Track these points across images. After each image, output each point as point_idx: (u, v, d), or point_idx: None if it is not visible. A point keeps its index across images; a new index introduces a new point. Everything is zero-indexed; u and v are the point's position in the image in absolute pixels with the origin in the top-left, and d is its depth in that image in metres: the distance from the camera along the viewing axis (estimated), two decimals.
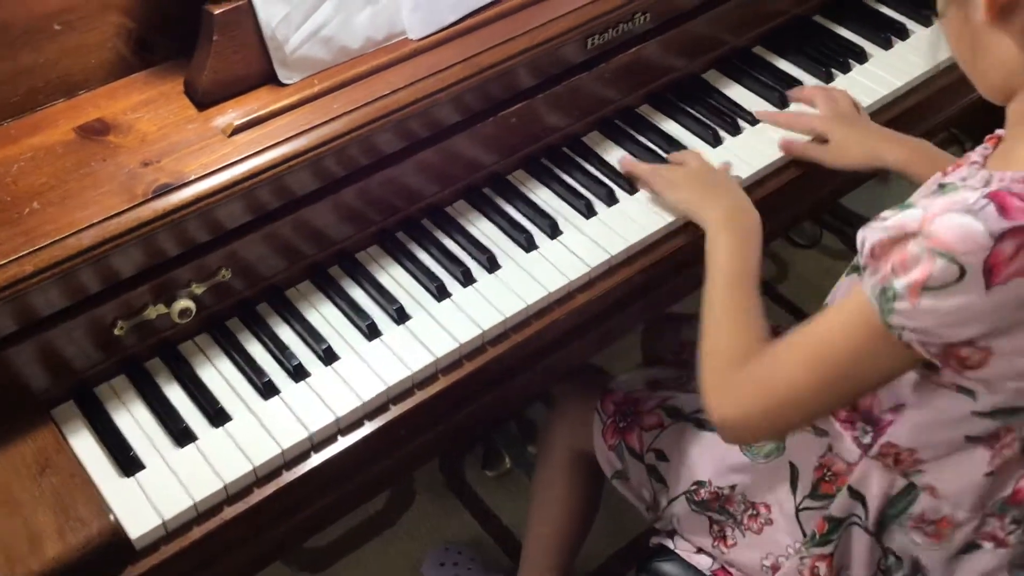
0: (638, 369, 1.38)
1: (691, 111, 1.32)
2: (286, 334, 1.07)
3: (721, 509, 1.13)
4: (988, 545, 1.00)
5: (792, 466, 1.07)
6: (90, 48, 1.06)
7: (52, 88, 1.06)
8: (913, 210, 0.80)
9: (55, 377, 0.98)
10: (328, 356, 1.05)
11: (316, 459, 0.99)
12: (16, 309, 0.91)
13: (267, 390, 1.01)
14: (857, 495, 1.00)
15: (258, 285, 1.08)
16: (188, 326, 1.04)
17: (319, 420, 0.99)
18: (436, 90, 1.09)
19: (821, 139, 1.25)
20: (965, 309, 0.77)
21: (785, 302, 2.10)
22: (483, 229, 1.18)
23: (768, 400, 0.91)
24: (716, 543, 1.15)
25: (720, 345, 0.98)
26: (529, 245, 1.15)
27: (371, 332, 1.07)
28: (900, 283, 0.78)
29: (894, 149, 1.20)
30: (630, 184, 1.23)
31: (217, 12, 1.02)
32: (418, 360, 1.04)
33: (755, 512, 1.11)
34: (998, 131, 0.91)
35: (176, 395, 1.02)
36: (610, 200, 1.21)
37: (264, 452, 0.96)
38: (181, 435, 0.98)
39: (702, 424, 1.18)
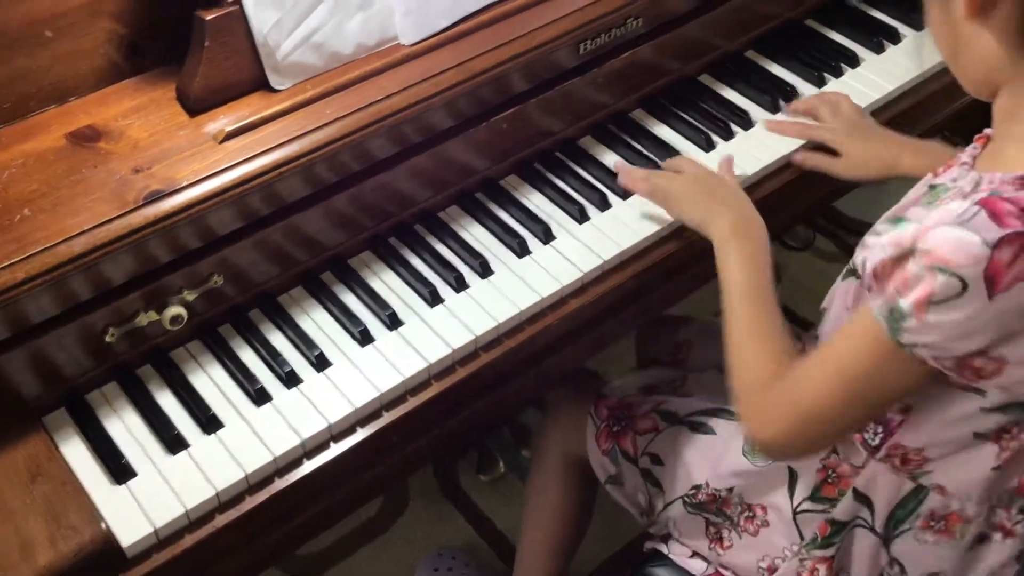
0: (632, 373, 1.38)
1: (684, 116, 1.32)
2: (278, 340, 1.07)
3: (718, 511, 1.13)
4: (998, 536, 1.00)
5: (790, 470, 1.07)
6: (81, 54, 1.06)
7: (43, 94, 1.05)
8: (907, 224, 0.81)
9: (46, 384, 0.98)
10: (320, 362, 1.04)
11: (309, 466, 0.98)
12: (7, 316, 0.91)
13: (259, 397, 1.01)
14: (863, 498, 1.00)
15: (250, 291, 1.08)
16: (180, 333, 1.04)
17: (311, 427, 0.98)
18: (429, 95, 1.09)
19: (832, 149, 1.24)
20: (972, 320, 0.78)
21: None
22: (476, 234, 1.18)
23: (798, 421, 0.91)
24: (712, 545, 1.15)
25: (747, 368, 0.98)
26: (522, 250, 1.15)
27: (364, 338, 1.06)
28: (905, 302, 0.79)
29: (909, 156, 1.19)
30: (623, 189, 1.23)
31: (209, 18, 1.02)
32: (411, 366, 1.03)
33: (751, 514, 1.11)
34: (986, 130, 0.91)
35: (168, 402, 1.01)
36: (603, 205, 1.21)
37: (256, 459, 0.96)
38: (173, 442, 0.97)
39: (697, 427, 1.18)
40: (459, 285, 1.11)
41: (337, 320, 1.09)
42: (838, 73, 1.39)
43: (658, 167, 1.23)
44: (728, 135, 1.30)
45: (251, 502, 0.95)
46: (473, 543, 1.75)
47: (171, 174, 0.99)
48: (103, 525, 0.90)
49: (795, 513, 1.06)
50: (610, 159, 1.27)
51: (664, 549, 1.22)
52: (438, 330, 1.07)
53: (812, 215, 2.03)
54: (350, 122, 1.05)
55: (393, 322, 1.08)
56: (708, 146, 1.28)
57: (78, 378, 1.00)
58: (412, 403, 1.03)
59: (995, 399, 0.88)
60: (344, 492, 1.06)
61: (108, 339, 0.98)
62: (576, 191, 1.23)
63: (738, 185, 1.18)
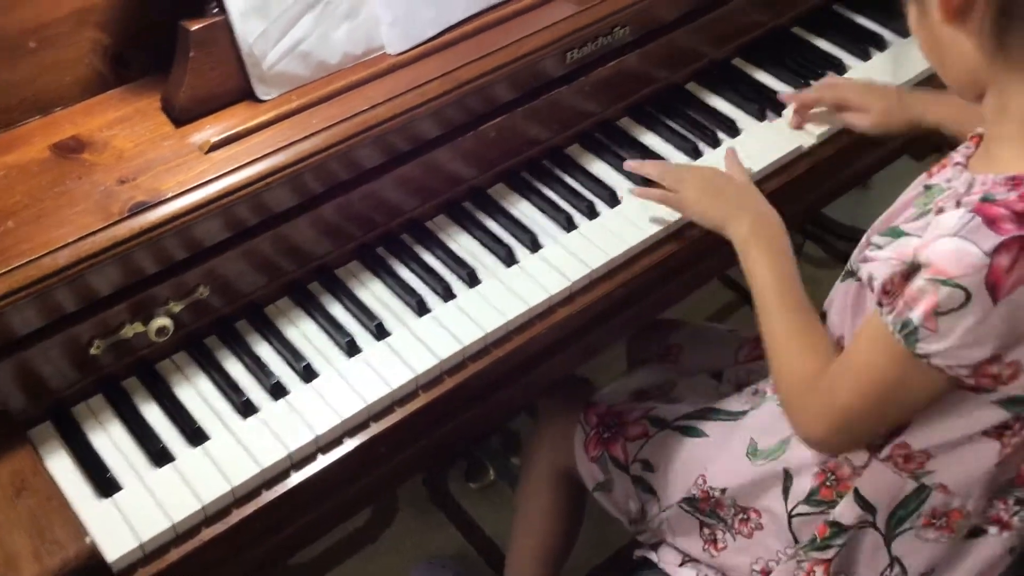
0: (622, 380, 1.38)
1: (671, 124, 1.32)
2: (265, 352, 1.07)
3: (712, 513, 1.13)
4: (993, 530, 1.01)
5: (786, 472, 1.07)
6: (66, 65, 1.06)
7: (27, 105, 1.05)
8: (907, 238, 0.86)
9: (32, 397, 0.97)
10: (307, 373, 1.04)
11: (296, 478, 0.98)
12: None
13: (246, 408, 1.01)
14: (864, 501, 1.00)
15: (237, 302, 1.07)
16: (166, 344, 1.03)
17: (298, 438, 0.98)
18: (415, 105, 1.09)
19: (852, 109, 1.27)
20: (980, 326, 0.80)
21: None
22: (464, 244, 1.18)
23: (836, 422, 0.94)
24: (706, 546, 1.15)
25: (788, 367, 1.00)
26: (510, 259, 1.15)
27: (351, 349, 1.06)
28: (915, 314, 0.82)
29: (932, 108, 1.22)
30: (611, 197, 1.23)
31: (194, 29, 1.02)
32: (398, 377, 1.03)
33: (745, 516, 1.11)
34: (978, 129, 0.92)
35: (153, 414, 1.01)
36: (590, 214, 1.21)
37: (243, 472, 0.95)
38: (159, 455, 0.97)
39: (688, 431, 1.18)
40: (446, 295, 1.11)
41: (324, 330, 1.08)
42: None
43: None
44: (715, 143, 1.30)
45: (238, 515, 0.95)
46: (463, 551, 1.74)
47: (156, 185, 0.98)
48: (88, 540, 0.89)
49: (790, 517, 1.06)
50: (597, 167, 1.27)
51: (654, 557, 1.22)
52: (425, 340, 1.06)
53: (802, 221, 2.03)
54: (336, 132, 1.04)
55: (380, 332, 1.08)
56: (695, 154, 1.29)
57: (63, 391, 0.99)
58: (400, 414, 1.03)
59: (1001, 393, 0.89)
60: (332, 503, 1.06)
61: (93, 351, 0.98)
62: (563, 199, 1.23)
63: (748, 179, 1.19)
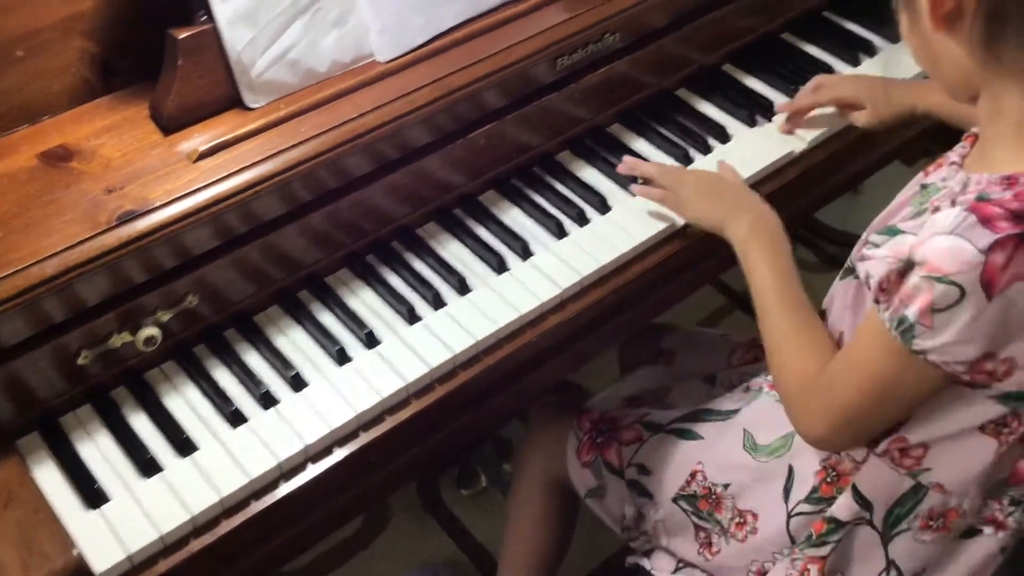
0: (615, 386, 1.38)
1: (661, 130, 1.32)
2: (254, 361, 1.06)
3: (709, 515, 1.13)
4: (988, 530, 1.01)
5: (791, 469, 1.07)
6: (54, 73, 1.05)
7: (15, 114, 1.05)
8: (903, 236, 0.87)
9: (19, 407, 0.96)
10: (297, 382, 1.04)
11: (285, 488, 0.97)
12: None
13: (234, 418, 1.00)
14: (861, 497, 1.00)
15: (226, 311, 1.07)
16: (154, 354, 1.03)
17: (288, 448, 0.97)
18: (404, 112, 1.09)
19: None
20: (975, 322, 0.80)
21: None
22: (454, 251, 1.18)
23: (837, 419, 0.95)
24: (701, 549, 1.15)
25: (788, 367, 1.01)
26: (500, 267, 1.15)
27: (341, 357, 1.06)
28: (911, 311, 0.82)
29: (922, 96, 1.24)
30: (602, 204, 1.22)
31: (181, 37, 1.01)
32: (389, 385, 1.03)
33: (742, 520, 1.11)
34: (973, 128, 0.93)
35: (142, 425, 1.00)
36: (581, 220, 1.20)
37: (231, 482, 0.95)
38: (147, 466, 0.96)
39: (682, 434, 1.18)
40: (437, 303, 1.11)
41: (314, 339, 1.08)
42: None
43: (635, 181, 1.23)
44: (706, 149, 1.30)
45: (227, 525, 0.94)
46: (455, 558, 1.74)
47: (144, 194, 0.98)
48: (76, 551, 0.88)
49: (790, 516, 1.06)
50: (588, 174, 1.27)
51: (647, 564, 1.22)
52: (416, 348, 1.06)
53: (793, 226, 2.03)
54: (325, 140, 1.04)
55: (370, 341, 1.07)
56: (686, 160, 1.28)
57: (51, 401, 0.99)
58: (390, 422, 1.03)
59: (999, 389, 0.89)
60: (323, 513, 1.05)
61: (81, 361, 0.97)
62: (554, 206, 1.22)
63: (742, 182, 1.20)
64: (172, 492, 0.94)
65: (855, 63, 1.43)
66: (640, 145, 1.31)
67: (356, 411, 1.00)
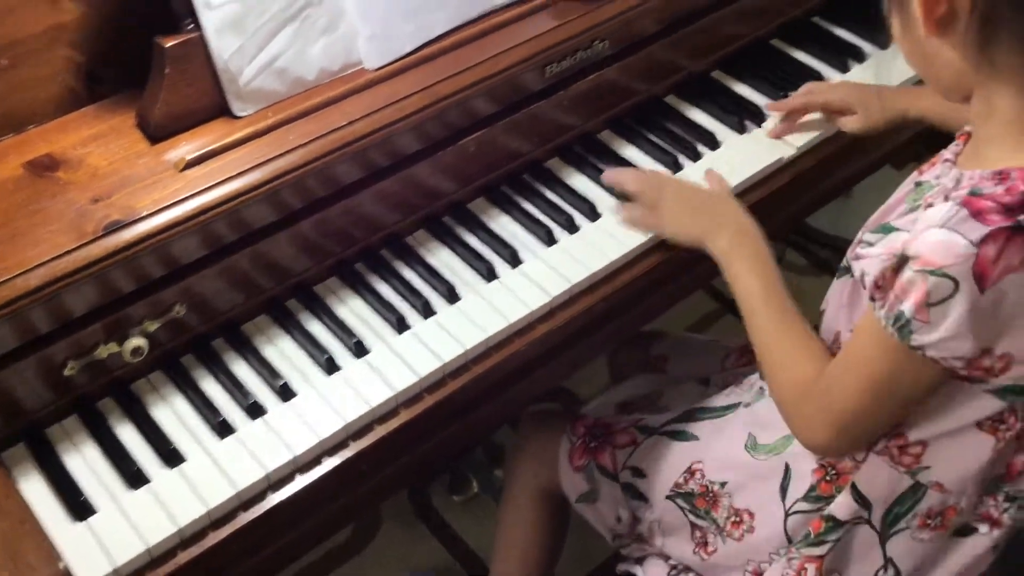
0: (607, 393, 1.38)
1: (651, 137, 1.32)
2: (242, 370, 1.05)
3: (706, 513, 1.13)
4: (984, 528, 1.01)
5: (787, 468, 1.07)
6: (39, 82, 1.05)
7: (0, 123, 1.04)
8: (896, 233, 0.87)
9: (4, 419, 0.96)
10: (285, 392, 1.03)
11: (274, 499, 0.97)
12: None
13: (222, 429, 1.00)
14: (860, 496, 1.00)
15: (213, 320, 1.06)
16: (141, 364, 1.02)
17: (276, 459, 0.97)
18: (393, 120, 1.08)
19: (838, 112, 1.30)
20: (969, 315, 0.81)
21: None
22: (444, 259, 1.17)
23: (838, 424, 0.95)
24: (697, 549, 1.15)
25: (782, 373, 1.01)
26: (490, 275, 1.14)
27: (329, 366, 1.05)
28: (906, 307, 0.83)
29: (913, 102, 1.25)
30: (591, 211, 1.22)
31: (168, 45, 1.01)
32: (378, 394, 1.02)
33: (738, 519, 1.11)
34: (967, 127, 0.94)
35: (129, 436, 1.00)
36: (571, 228, 1.20)
37: (219, 493, 0.94)
38: (134, 477, 0.95)
39: (677, 435, 1.18)
40: (426, 311, 1.10)
41: (302, 348, 1.07)
42: None
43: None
44: (695, 157, 1.30)
45: (215, 537, 0.94)
46: (446, 564, 1.74)
47: (131, 203, 0.97)
48: (62, 564, 0.88)
49: (787, 515, 1.06)
50: (578, 181, 1.27)
51: (639, 572, 1.22)
52: (405, 357, 1.05)
53: (784, 232, 2.04)
54: (313, 149, 1.04)
55: (359, 350, 1.07)
56: (676, 167, 1.28)
57: (37, 412, 0.98)
58: (380, 432, 1.02)
59: (996, 383, 0.89)
60: (312, 523, 1.05)
61: (68, 372, 0.97)
62: (544, 214, 1.22)
63: (725, 190, 1.20)
64: (159, 504, 0.93)
65: (844, 69, 1.43)
66: (630, 152, 1.31)
67: (345, 421, 1.00)
